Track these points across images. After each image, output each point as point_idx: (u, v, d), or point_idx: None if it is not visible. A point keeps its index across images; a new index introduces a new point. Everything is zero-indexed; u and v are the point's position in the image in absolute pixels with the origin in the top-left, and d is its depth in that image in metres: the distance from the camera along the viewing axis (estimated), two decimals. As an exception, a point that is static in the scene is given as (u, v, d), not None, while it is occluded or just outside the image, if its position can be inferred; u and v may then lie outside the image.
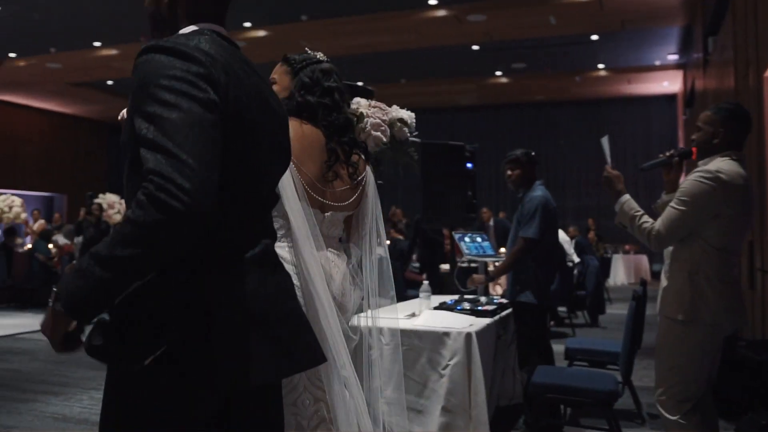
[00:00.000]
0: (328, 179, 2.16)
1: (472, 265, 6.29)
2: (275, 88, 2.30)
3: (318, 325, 2.01)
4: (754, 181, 4.62)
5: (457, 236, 4.78)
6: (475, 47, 12.65)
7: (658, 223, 2.95)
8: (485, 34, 11.66)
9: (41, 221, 12.82)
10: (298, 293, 1.99)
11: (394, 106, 2.68)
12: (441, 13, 10.67)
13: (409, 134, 2.69)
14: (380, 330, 3.60)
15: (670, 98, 17.01)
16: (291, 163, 1.99)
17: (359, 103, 2.51)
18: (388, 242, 12.82)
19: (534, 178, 4.38)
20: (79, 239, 11.31)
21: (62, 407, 4.95)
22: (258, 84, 1.51)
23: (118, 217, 12.17)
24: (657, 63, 14.13)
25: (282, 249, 2.06)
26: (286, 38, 11.80)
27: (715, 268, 2.85)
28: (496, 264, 5.00)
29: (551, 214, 4.24)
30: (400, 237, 11.82)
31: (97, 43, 12.34)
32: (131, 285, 1.23)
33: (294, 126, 2.08)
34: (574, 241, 10.39)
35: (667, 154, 3.23)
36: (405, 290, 9.32)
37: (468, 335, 3.39)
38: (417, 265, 10.12)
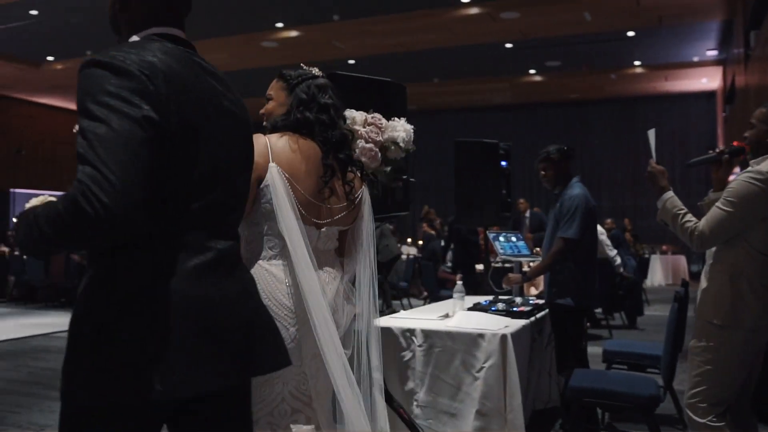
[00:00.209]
0: (323, 195, 2.15)
1: (506, 265, 6.19)
2: (271, 104, 2.32)
3: (313, 345, 2.01)
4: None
5: (491, 236, 4.68)
6: (509, 45, 12.52)
7: (702, 223, 2.84)
8: (519, 31, 11.53)
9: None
10: (284, 312, 2.02)
11: (393, 122, 2.60)
12: (474, 10, 10.57)
13: (403, 155, 2.63)
14: (412, 331, 3.55)
15: (709, 95, 16.66)
16: (285, 179, 2.02)
17: (354, 120, 2.48)
18: (420, 242, 12.73)
19: (570, 175, 4.24)
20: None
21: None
22: (211, 88, 1.52)
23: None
24: (695, 59, 13.84)
25: (276, 267, 2.07)
26: (318, 39, 11.82)
27: (758, 273, 2.76)
28: (531, 264, 4.89)
29: (591, 213, 4.10)
30: (432, 232, 11.74)
31: (131, 46, 12.45)
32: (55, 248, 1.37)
33: (290, 141, 2.11)
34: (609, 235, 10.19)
35: (717, 150, 3.11)
36: (438, 290, 9.25)
37: (503, 337, 3.31)
38: (450, 264, 10.04)
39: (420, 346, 3.50)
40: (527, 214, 10.53)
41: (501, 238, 4.68)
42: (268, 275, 2.06)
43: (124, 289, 1.37)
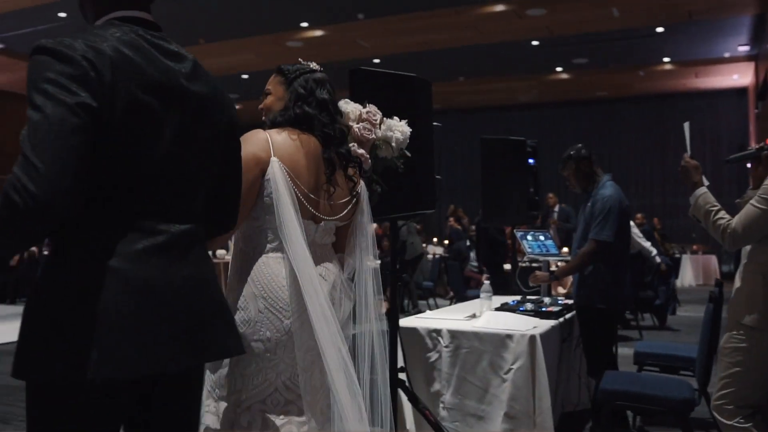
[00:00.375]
0: (323, 190, 2.14)
1: (534, 264, 6.10)
2: (269, 98, 2.31)
3: (308, 338, 2.01)
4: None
5: (518, 234, 4.60)
6: (535, 42, 12.39)
7: (735, 221, 2.75)
8: (545, 28, 11.40)
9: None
10: (280, 305, 2.01)
11: (392, 122, 2.56)
12: (499, 8, 10.46)
13: (395, 155, 2.60)
14: (438, 332, 3.49)
15: (741, 92, 16.34)
16: (286, 174, 2.02)
17: (347, 115, 2.45)
18: (446, 241, 12.64)
19: (592, 174, 4.13)
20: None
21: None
22: (167, 70, 1.51)
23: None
24: (726, 55, 13.58)
25: (275, 260, 2.07)
26: (343, 37, 11.79)
27: None
28: (559, 263, 4.80)
29: (624, 214, 3.97)
30: (459, 227, 11.65)
31: (159, 47, 12.54)
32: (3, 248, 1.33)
33: (290, 136, 2.11)
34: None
35: (757, 146, 3.00)
36: (464, 290, 9.16)
37: (532, 338, 3.24)
38: (475, 263, 9.95)
39: (446, 346, 3.44)
40: (556, 208, 10.47)
41: (529, 237, 4.60)
42: (266, 268, 2.06)
43: (71, 271, 1.39)
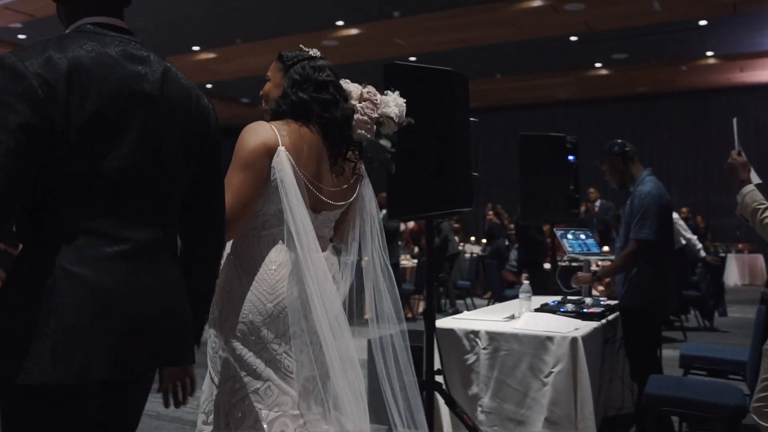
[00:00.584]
0: (324, 179, 2.14)
1: (574, 264, 5.97)
2: (268, 85, 2.29)
3: (295, 323, 2.03)
4: None
5: (558, 233, 4.49)
6: (574, 38, 12.16)
7: None
8: (584, 23, 11.18)
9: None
10: (263, 287, 2.02)
11: (386, 97, 2.51)
12: (537, 3, 10.29)
13: (396, 129, 2.55)
14: (476, 333, 3.40)
15: (788, 86, 15.88)
16: (291, 164, 2.02)
17: (350, 94, 2.40)
18: (484, 240, 12.49)
19: (628, 170, 3.99)
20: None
21: (157, 404, 4.96)
22: (132, 75, 1.53)
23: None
24: (773, 48, 13.20)
25: (267, 245, 2.08)
26: (379, 36, 11.73)
27: None
28: (600, 263, 4.68)
29: (665, 210, 3.82)
30: (497, 221, 11.48)
31: (195, 48, 12.65)
32: None
33: (292, 127, 2.10)
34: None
35: None
36: (502, 290, 9.04)
37: (573, 340, 3.13)
38: (514, 263, 9.81)
39: (485, 348, 3.35)
40: (597, 203, 10.32)
41: (569, 236, 4.48)
42: (256, 252, 2.07)
43: (32, 276, 1.44)
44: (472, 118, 3.25)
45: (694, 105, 16.47)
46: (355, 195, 2.26)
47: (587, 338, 3.22)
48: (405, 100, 2.53)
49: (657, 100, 16.81)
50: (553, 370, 3.14)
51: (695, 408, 3.05)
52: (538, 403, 3.16)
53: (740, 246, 14.88)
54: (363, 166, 2.30)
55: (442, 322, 3.54)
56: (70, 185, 1.45)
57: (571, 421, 3.08)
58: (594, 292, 5.48)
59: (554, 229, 4.68)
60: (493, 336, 3.34)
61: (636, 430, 3.84)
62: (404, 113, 2.52)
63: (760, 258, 14.41)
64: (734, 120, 3.03)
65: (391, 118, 2.47)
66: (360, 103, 2.33)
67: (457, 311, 10.01)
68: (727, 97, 16.10)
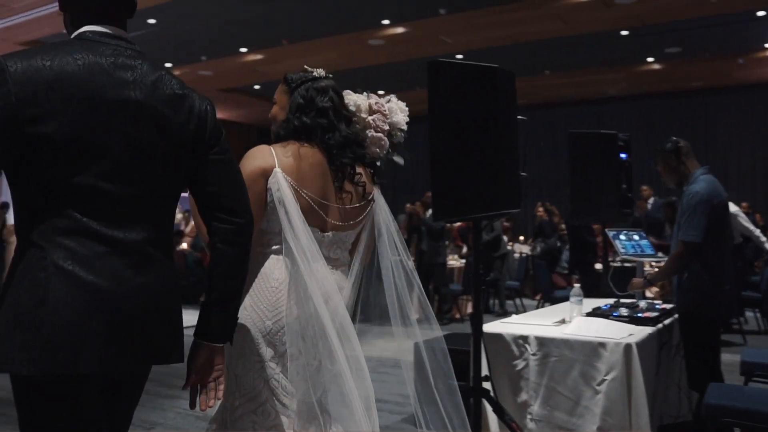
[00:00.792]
0: (330, 199, 2.17)
1: (627, 265, 5.78)
2: (275, 108, 2.32)
3: (317, 346, 2.05)
4: None
5: (611, 234, 4.33)
6: (624, 32, 11.86)
7: None
8: (635, 17, 10.89)
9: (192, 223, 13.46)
10: (263, 305, 2.06)
11: (391, 104, 2.52)
12: (586, -3, 10.07)
13: (403, 136, 2.55)
14: (525, 338, 3.29)
15: None
16: (288, 183, 2.07)
17: (359, 107, 2.42)
18: (532, 241, 12.28)
19: (681, 167, 3.84)
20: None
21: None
22: (120, 84, 1.61)
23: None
24: (836, 39, 12.66)
25: (270, 261, 2.12)
26: (425, 34, 11.64)
27: None
28: (653, 264, 4.53)
29: (717, 209, 3.65)
30: (546, 218, 11.27)
31: (243, 49, 12.75)
32: None
33: (293, 149, 2.14)
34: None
35: None
36: (552, 291, 8.86)
37: (627, 347, 3.00)
38: (565, 265, 9.61)
39: (534, 354, 3.24)
40: (650, 201, 10.04)
41: (622, 236, 4.33)
42: (261, 268, 2.12)
43: (26, 271, 1.53)
44: (519, 116, 3.14)
45: (752, 99, 15.91)
46: (365, 214, 2.27)
47: (642, 344, 3.09)
48: (405, 104, 2.53)
49: (712, 95, 16.30)
50: (606, 377, 3.02)
51: (759, 420, 2.88)
52: (591, 411, 3.04)
53: (802, 245, 14.34)
54: (376, 188, 2.31)
55: (489, 327, 3.44)
56: (59, 187, 1.54)
57: (625, 431, 2.95)
58: (648, 295, 5.30)
59: (606, 230, 4.52)
60: (542, 341, 3.23)
61: (695, 439, 3.68)
62: (407, 118, 2.52)
63: (822, 257, 13.86)
64: None
65: (402, 129, 2.48)
66: (371, 116, 2.34)
67: (506, 312, 9.86)
68: (786, 91, 15.53)
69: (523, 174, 3.15)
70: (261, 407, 2.05)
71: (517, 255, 12.00)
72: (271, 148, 2.14)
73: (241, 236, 1.80)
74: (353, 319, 2.24)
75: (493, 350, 3.26)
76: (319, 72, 2.29)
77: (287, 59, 12.75)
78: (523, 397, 3.26)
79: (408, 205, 10.94)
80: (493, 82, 2.96)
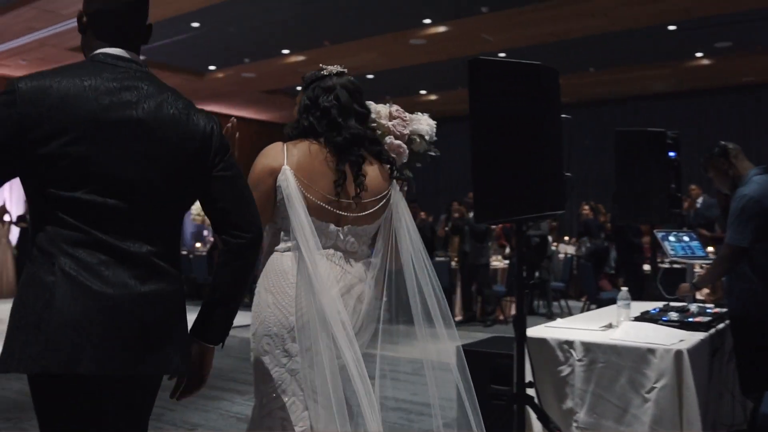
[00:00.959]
0: (341, 195, 2.20)
1: (676, 266, 5.62)
2: (294, 108, 2.38)
3: (306, 339, 2.09)
4: None
5: (659, 235, 4.20)
6: (672, 27, 11.58)
7: None
8: (683, 11, 10.61)
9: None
10: (286, 301, 2.12)
11: (416, 115, 2.55)
12: (632, -8, 9.85)
13: (426, 149, 2.57)
14: (570, 344, 3.20)
15: None
16: (296, 181, 2.14)
17: (379, 114, 2.46)
18: (576, 242, 12.02)
19: (735, 170, 3.69)
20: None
21: (246, 407, 5.00)
22: (123, 104, 1.70)
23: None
24: None
25: (286, 258, 2.18)
26: (468, 33, 11.54)
27: None
28: (703, 266, 4.39)
29: (766, 213, 3.52)
30: (591, 216, 11.05)
31: (285, 51, 12.82)
32: None
33: (303, 147, 2.21)
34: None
35: None
36: (597, 293, 8.68)
37: (678, 353, 2.89)
38: (613, 264, 9.40)
39: (580, 360, 3.15)
40: (699, 200, 9.75)
41: (671, 238, 4.19)
42: (278, 265, 2.18)
43: (37, 274, 1.63)
44: (563, 115, 3.06)
45: (807, 94, 15.41)
46: (377, 208, 2.28)
47: (693, 351, 2.97)
48: (434, 121, 2.55)
49: (765, 91, 15.82)
50: (655, 385, 2.91)
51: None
52: (639, 420, 2.94)
53: None
54: (393, 186, 2.33)
55: (533, 331, 3.35)
56: (65, 201, 1.64)
57: (676, 441, 2.85)
58: (699, 297, 5.14)
59: (654, 231, 4.39)
60: (589, 347, 3.14)
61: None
62: (434, 133, 2.55)
63: None
64: None
65: (422, 136, 2.50)
66: (390, 121, 2.39)
67: (551, 314, 9.70)
68: (844, 85, 14.98)
69: (567, 174, 3.06)
70: (289, 401, 2.10)
71: (561, 256, 11.81)
72: (284, 146, 2.21)
73: (248, 249, 1.87)
74: (392, 320, 2.31)
75: (537, 355, 3.17)
76: (331, 69, 2.32)
77: (329, 60, 12.54)
78: (569, 404, 3.17)
79: (455, 204, 10.83)
80: (537, 79, 2.88)
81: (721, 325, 3.58)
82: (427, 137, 2.52)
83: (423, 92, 16.22)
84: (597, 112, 16.47)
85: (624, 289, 3.60)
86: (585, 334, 3.26)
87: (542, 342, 3.26)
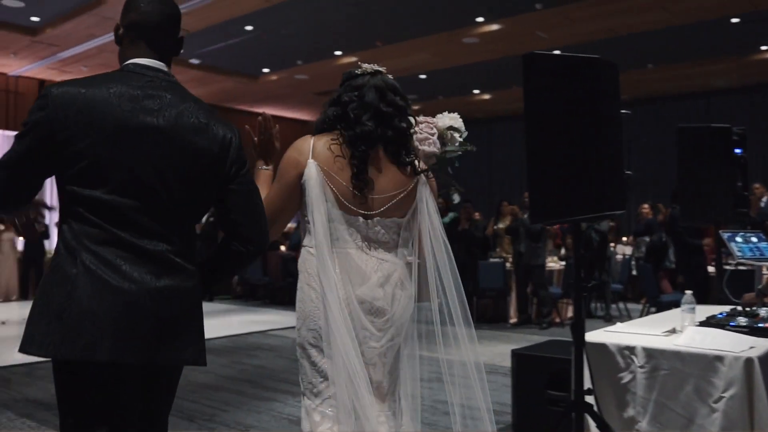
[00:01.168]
0: (361, 188, 2.22)
1: (741, 268, 5.38)
2: None
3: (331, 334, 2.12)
4: None
5: (725, 235, 4.01)
6: (735, 20, 11.18)
7: None
8: (747, 2, 10.24)
9: (291, 224, 13.66)
10: (315, 294, 2.16)
11: (441, 114, 2.54)
12: (693, -17, 9.54)
13: (460, 138, 2.53)
14: (632, 349, 3.07)
15: None
16: (321, 173, 2.18)
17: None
18: (633, 241, 11.68)
19: None
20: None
21: (298, 409, 4.97)
22: (145, 111, 1.82)
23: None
24: None
25: (308, 251, 2.23)
26: (521, 30, 11.38)
27: None
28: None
29: None
30: (651, 216, 10.72)
31: (338, 52, 12.85)
32: None
33: (327, 140, 2.25)
34: None
35: None
36: (657, 296, 8.40)
37: (748, 361, 2.74)
38: (672, 259, 9.07)
39: (641, 367, 3.01)
40: (763, 199, 9.38)
41: (738, 239, 4.00)
42: (309, 258, 2.22)
43: (60, 267, 1.76)
44: (623, 111, 2.93)
45: None
46: (398, 200, 2.27)
47: (764, 358, 2.80)
48: (457, 115, 2.53)
49: (835, 84, 15.16)
50: (723, 394, 2.76)
51: None
52: (707, 431, 2.79)
53: None
54: (420, 179, 2.33)
55: (592, 336, 3.22)
56: (88, 200, 1.77)
57: (747, 454, 2.69)
58: None
59: (720, 231, 4.20)
60: (651, 353, 3.00)
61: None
62: (463, 126, 2.53)
63: None
64: None
65: (455, 128, 2.49)
66: (417, 125, 2.40)
67: (610, 317, 9.45)
68: None
69: (628, 172, 2.93)
70: (326, 400, 2.14)
71: (619, 257, 11.51)
72: (312, 139, 2.25)
73: (250, 258, 2.03)
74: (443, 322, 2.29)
75: (596, 361, 3.05)
76: (366, 68, 2.36)
77: (381, 61, 12.53)
78: (630, 412, 3.03)
79: (504, 203, 10.68)
80: (594, 74, 2.77)
81: (793, 331, 3.39)
82: (458, 126, 2.51)
83: (476, 92, 16.08)
84: (655, 110, 16.03)
85: (688, 292, 3.44)
86: (647, 339, 3.12)
87: (602, 347, 3.14)
